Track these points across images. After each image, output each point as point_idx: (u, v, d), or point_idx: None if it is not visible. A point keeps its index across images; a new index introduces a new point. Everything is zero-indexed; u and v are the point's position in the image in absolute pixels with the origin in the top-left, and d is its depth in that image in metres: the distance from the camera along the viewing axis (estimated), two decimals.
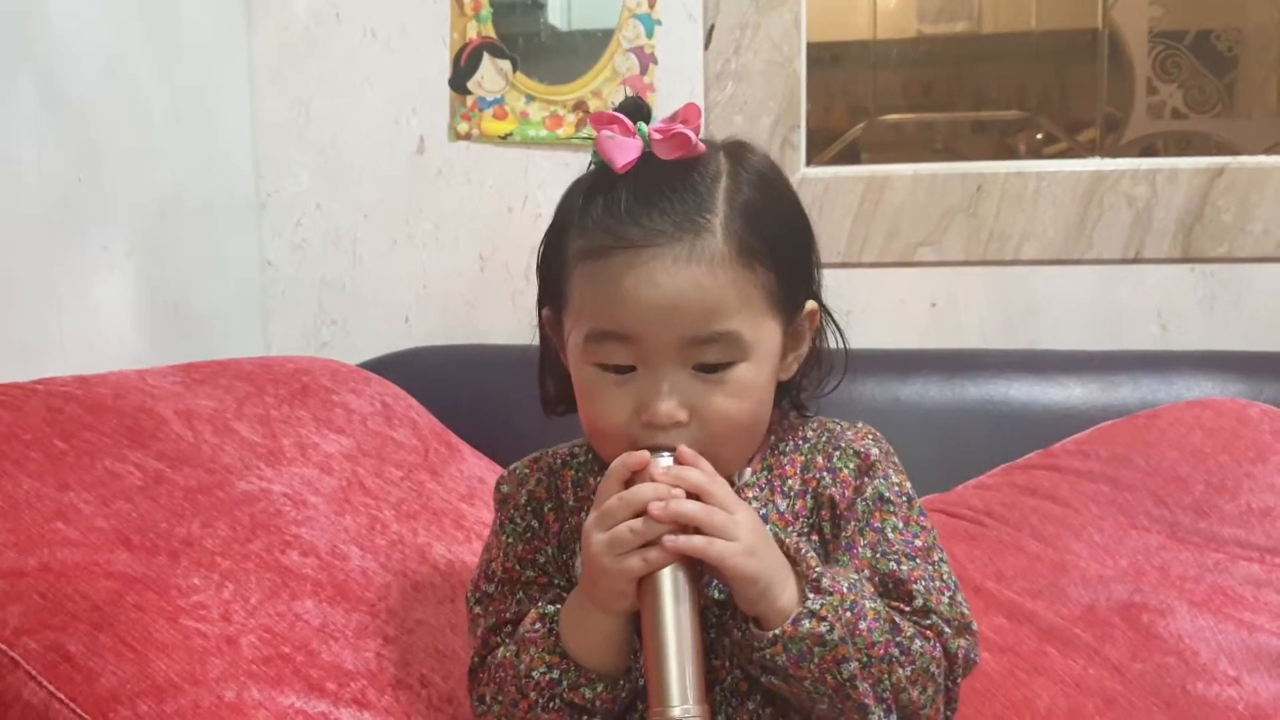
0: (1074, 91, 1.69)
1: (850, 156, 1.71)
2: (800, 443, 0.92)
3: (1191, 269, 1.54)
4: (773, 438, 0.92)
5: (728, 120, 1.57)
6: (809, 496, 0.89)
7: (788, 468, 0.91)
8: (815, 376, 0.93)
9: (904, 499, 0.90)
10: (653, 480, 0.81)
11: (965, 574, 1.21)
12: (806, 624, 0.80)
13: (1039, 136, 1.69)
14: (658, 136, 0.83)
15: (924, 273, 1.58)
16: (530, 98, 1.60)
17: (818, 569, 0.82)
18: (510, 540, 0.92)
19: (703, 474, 0.81)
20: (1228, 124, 1.65)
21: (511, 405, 1.48)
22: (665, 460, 0.82)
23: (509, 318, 1.62)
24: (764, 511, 0.89)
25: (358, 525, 1.07)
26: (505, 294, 1.63)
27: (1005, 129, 1.73)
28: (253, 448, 1.09)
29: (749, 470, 0.91)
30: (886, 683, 0.82)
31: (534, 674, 0.85)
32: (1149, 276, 1.55)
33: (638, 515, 0.80)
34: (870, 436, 0.93)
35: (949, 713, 0.87)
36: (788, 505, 0.89)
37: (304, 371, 1.28)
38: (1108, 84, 1.66)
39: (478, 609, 0.92)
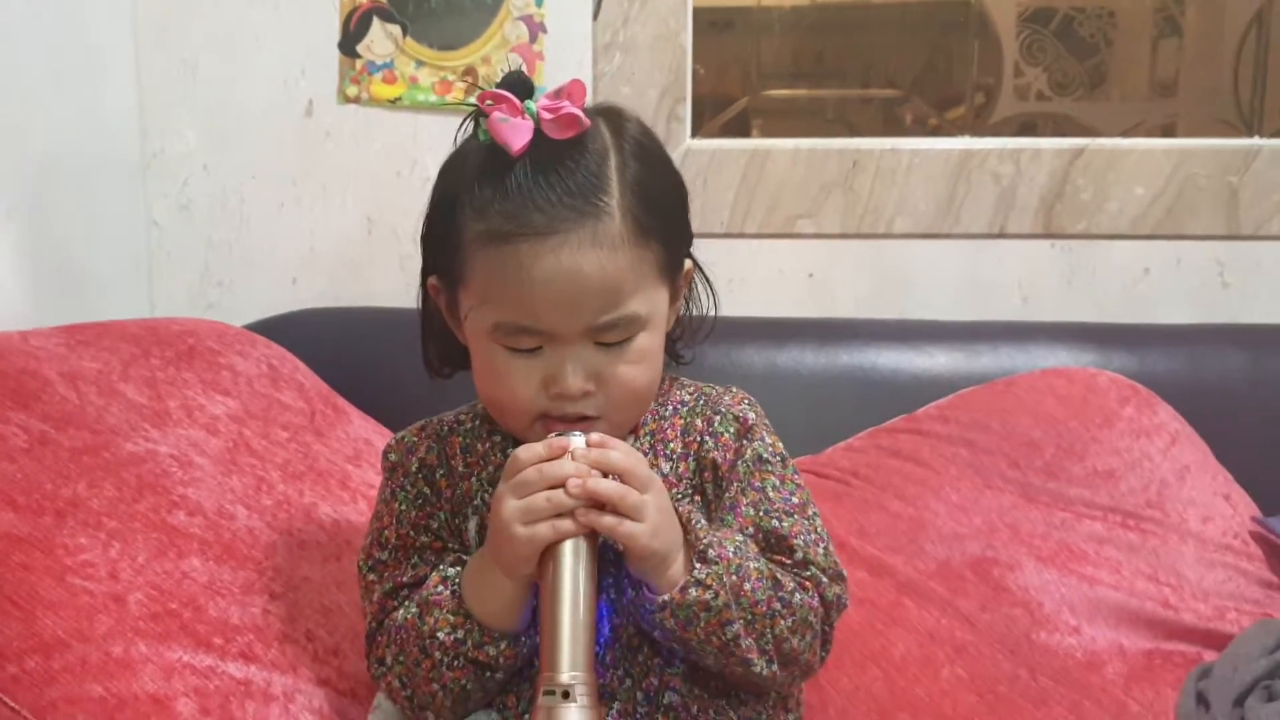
0: (947, 70, 1.76)
1: (741, 127, 1.75)
2: (679, 406, 0.97)
3: (1051, 244, 1.63)
4: (655, 403, 0.96)
5: (615, 91, 1.61)
6: (691, 459, 0.94)
7: (669, 432, 0.95)
8: (689, 326, 0.98)
9: (779, 459, 0.96)
10: (573, 459, 0.84)
11: (831, 531, 1.25)
12: (693, 592, 0.85)
13: (927, 110, 1.76)
14: (547, 116, 0.85)
15: (802, 244, 1.64)
16: (420, 63, 1.61)
17: (705, 539, 0.87)
18: (403, 507, 0.95)
19: (623, 455, 0.85)
20: (1088, 107, 1.73)
21: (398, 368, 1.50)
22: (579, 440, 0.86)
23: (396, 281, 1.64)
24: None
25: (244, 486, 1.09)
26: (393, 257, 1.64)
27: (881, 105, 1.79)
28: (138, 409, 1.10)
29: (631, 436, 0.95)
30: (769, 635, 0.87)
31: (439, 634, 0.88)
32: (1012, 251, 1.63)
33: (553, 488, 0.83)
34: (746, 401, 0.98)
35: (824, 653, 0.94)
36: (671, 468, 0.94)
37: (190, 333, 1.28)
38: (978, 64, 1.73)
39: (371, 576, 0.94)
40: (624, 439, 0.92)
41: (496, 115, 0.85)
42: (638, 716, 0.89)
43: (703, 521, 0.89)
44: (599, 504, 0.83)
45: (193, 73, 1.62)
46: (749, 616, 0.86)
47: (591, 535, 0.84)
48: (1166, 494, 1.34)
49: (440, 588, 0.89)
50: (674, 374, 1.01)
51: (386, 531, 0.95)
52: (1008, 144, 1.62)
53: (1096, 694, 1.14)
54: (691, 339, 1.00)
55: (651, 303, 0.89)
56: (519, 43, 1.60)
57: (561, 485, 0.83)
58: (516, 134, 0.84)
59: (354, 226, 1.64)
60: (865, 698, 1.11)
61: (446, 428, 0.98)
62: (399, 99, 1.62)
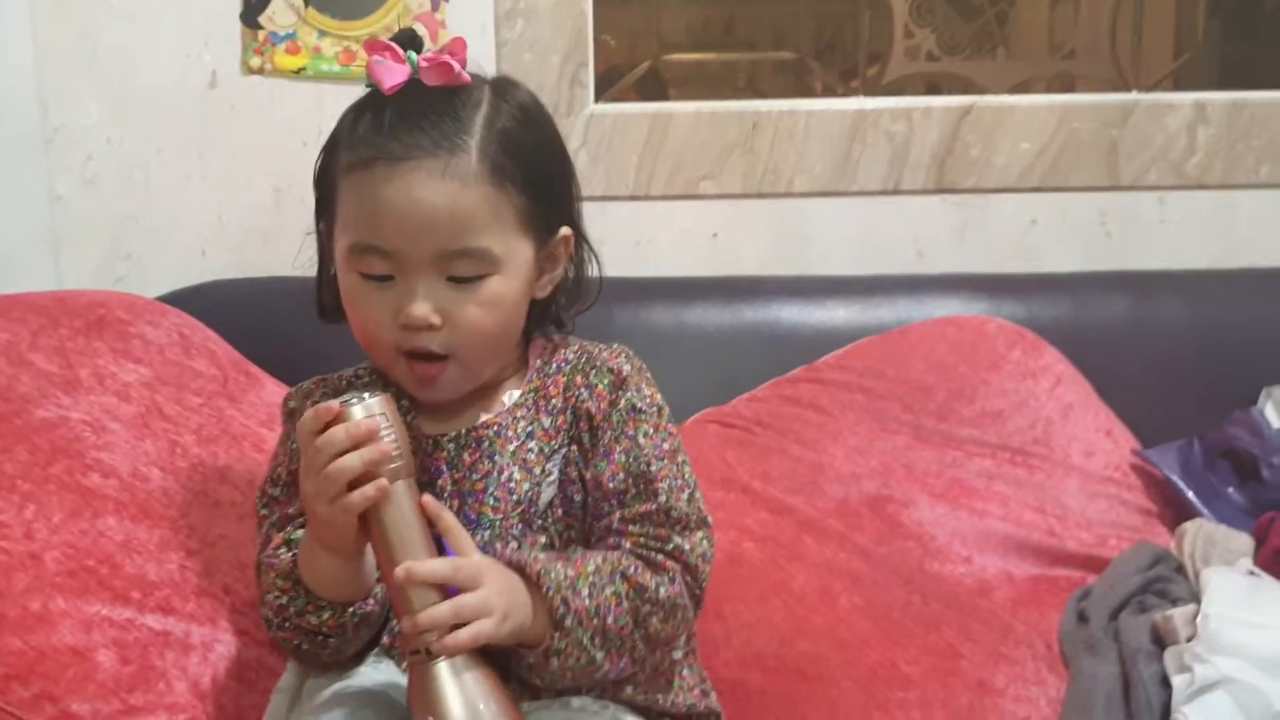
0: (841, 36, 1.81)
1: (655, 94, 1.79)
2: (563, 364, 1.01)
3: (944, 199, 1.68)
4: (539, 361, 1.00)
5: (518, 58, 1.63)
6: (569, 412, 0.98)
7: (551, 389, 0.99)
8: (572, 296, 1.02)
9: (654, 409, 0.99)
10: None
11: (735, 476, 1.33)
12: (554, 661, 0.89)
13: (837, 74, 1.80)
14: (424, 64, 0.90)
15: (706, 205, 1.68)
16: (322, 33, 1.62)
17: (559, 604, 0.87)
18: (296, 448, 0.98)
19: (441, 565, 0.85)
20: (975, 66, 1.79)
21: (310, 337, 1.51)
22: (357, 410, 0.85)
23: (306, 250, 1.65)
24: (531, 428, 0.97)
25: (158, 449, 1.11)
26: (302, 227, 1.61)
27: (780, 69, 1.84)
28: (49, 377, 1.12)
29: (517, 392, 0.99)
30: (638, 643, 0.92)
31: (268, 597, 0.93)
32: (906, 207, 1.68)
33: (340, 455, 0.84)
34: (623, 355, 1.01)
35: (697, 610, 0.97)
36: (550, 422, 0.98)
37: (99, 304, 1.29)
38: (869, 29, 1.78)
39: (264, 510, 0.99)
40: (476, 384, 0.96)
41: (375, 58, 0.90)
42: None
43: (552, 569, 0.89)
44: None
45: (93, 45, 1.61)
46: (616, 643, 0.90)
47: (405, 481, 0.86)
48: (1051, 431, 1.41)
49: (281, 549, 0.94)
50: (566, 336, 1.04)
51: (279, 469, 0.99)
52: (900, 103, 1.67)
53: (985, 617, 1.21)
54: (573, 306, 1.03)
55: (508, 248, 0.92)
56: (421, 11, 1.62)
57: (344, 453, 0.84)
58: (389, 75, 0.90)
59: (262, 197, 1.65)
60: (766, 627, 1.17)
61: (345, 381, 1.03)
62: (303, 69, 1.63)
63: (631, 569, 0.92)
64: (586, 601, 0.89)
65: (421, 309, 0.90)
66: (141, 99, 1.63)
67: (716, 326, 1.57)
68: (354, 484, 0.84)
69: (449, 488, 0.96)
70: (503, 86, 0.96)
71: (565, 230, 0.99)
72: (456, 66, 0.90)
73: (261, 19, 1.62)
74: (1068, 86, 1.81)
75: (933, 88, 1.77)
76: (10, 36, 1.59)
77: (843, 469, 1.34)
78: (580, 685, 0.92)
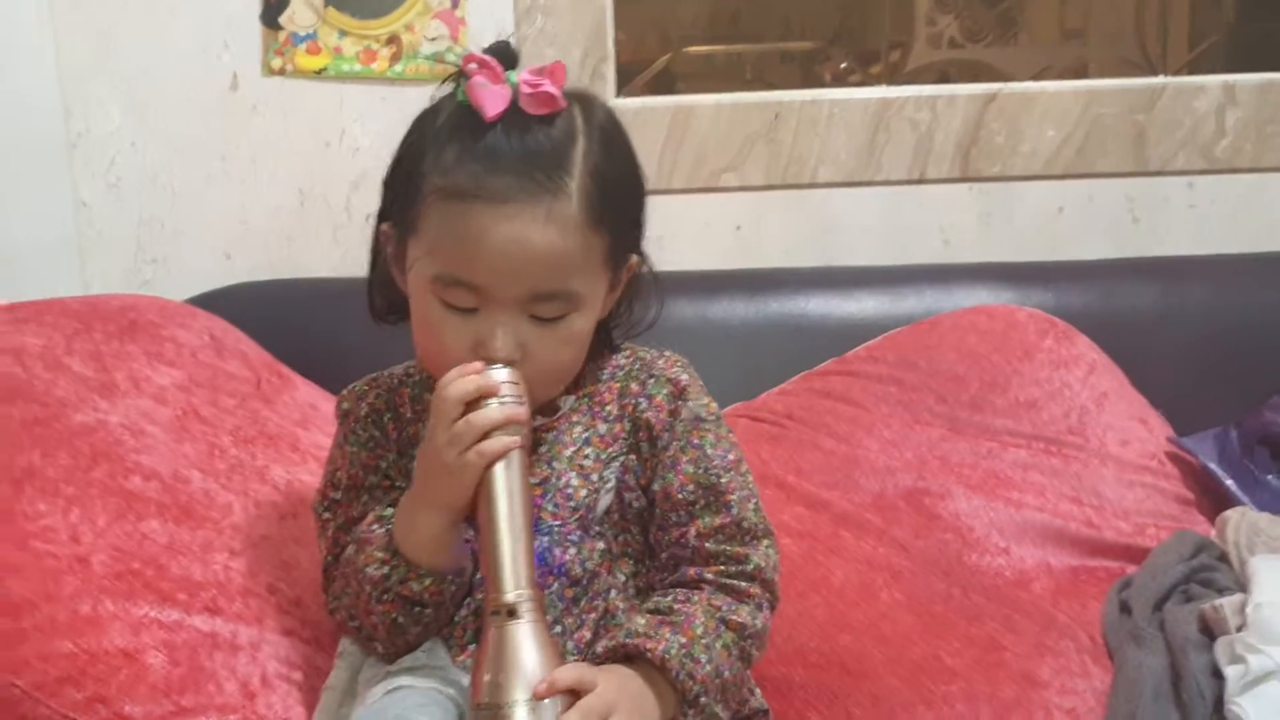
0: (863, 24, 1.80)
1: (666, 87, 1.78)
2: (615, 370, 1.00)
3: (969, 188, 1.68)
4: (590, 365, 0.99)
5: (538, 54, 1.62)
6: (626, 420, 0.97)
7: (605, 394, 0.98)
8: (628, 317, 1.01)
9: (714, 418, 0.99)
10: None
11: (769, 471, 1.32)
12: None
13: (844, 65, 1.80)
14: (527, 90, 0.87)
15: (728, 197, 1.67)
16: (343, 32, 1.62)
17: (690, 686, 0.88)
18: (354, 449, 0.99)
19: (569, 673, 0.83)
20: (999, 52, 1.78)
21: (338, 338, 1.52)
22: (500, 373, 0.88)
23: (331, 251, 1.65)
24: (587, 434, 0.97)
25: (197, 451, 1.11)
26: (326, 228, 1.66)
27: (803, 59, 1.84)
28: (85, 382, 1.12)
29: (571, 397, 0.98)
30: (748, 674, 0.97)
31: (368, 569, 0.92)
32: (931, 195, 1.67)
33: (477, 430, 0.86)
34: (679, 364, 1.01)
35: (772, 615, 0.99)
36: (607, 429, 0.97)
37: (130, 308, 1.29)
38: (892, 17, 1.78)
39: (326, 515, 0.98)
40: (560, 401, 0.96)
41: (478, 79, 0.87)
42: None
43: (668, 647, 0.89)
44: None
45: (114, 51, 1.61)
46: (733, 690, 0.94)
47: (522, 450, 0.87)
48: (1086, 420, 1.40)
49: (375, 526, 0.93)
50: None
51: (339, 473, 0.99)
52: (923, 91, 1.66)
53: (1026, 608, 1.20)
54: (627, 330, 1.02)
55: (591, 287, 0.92)
56: (441, 9, 1.62)
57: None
58: (493, 100, 0.86)
59: (286, 199, 1.65)
60: (808, 622, 1.16)
61: (395, 380, 1.02)
62: (324, 70, 1.63)
63: (728, 610, 0.94)
64: (707, 668, 0.90)
65: (505, 347, 0.89)
66: (163, 102, 1.63)
67: (742, 320, 1.57)
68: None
69: None
70: (588, 108, 0.92)
71: (635, 258, 0.98)
72: (559, 96, 0.88)
73: (281, 19, 1.61)
74: (1092, 72, 1.80)
75: (954, 75, 1.76)
76: (31, 42, 1.59)
77: (877, 462, 1.33)
78: None
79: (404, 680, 0.89)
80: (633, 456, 0.97)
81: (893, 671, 1.12)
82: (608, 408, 0.98)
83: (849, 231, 1.67)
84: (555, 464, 0.96)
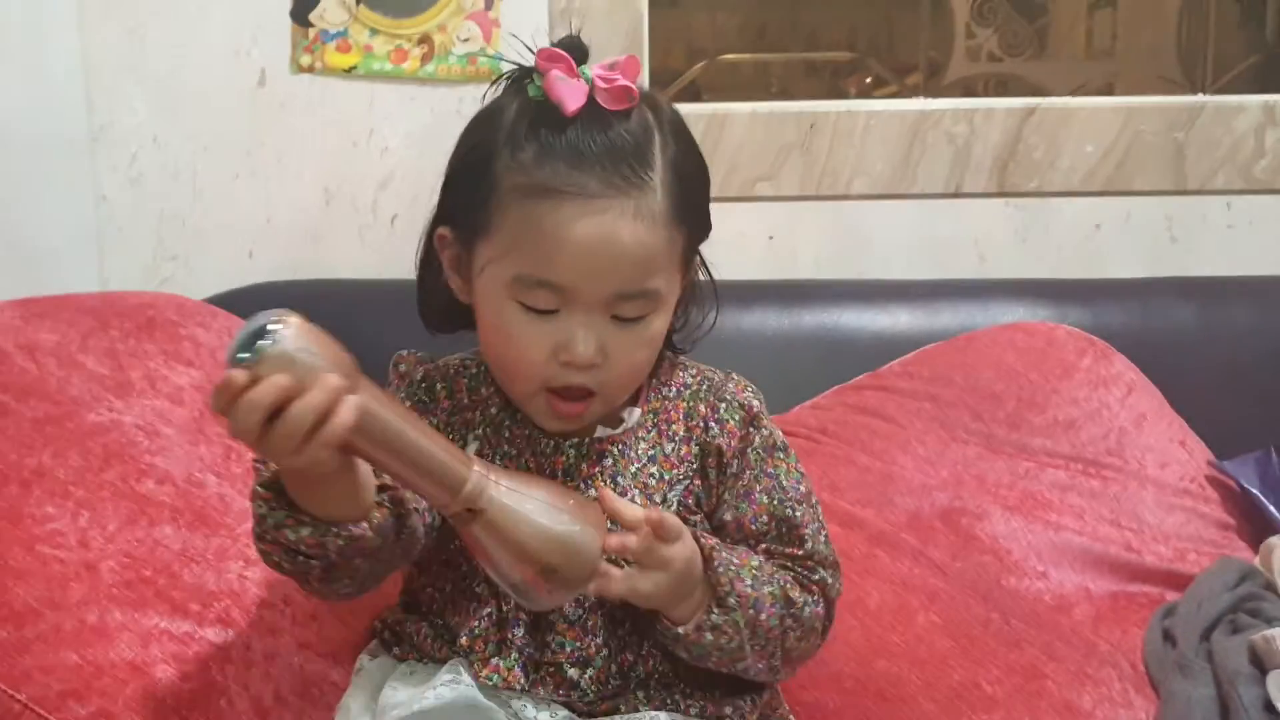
0: (901, 36, 1.77)
1: (692, 96, 1.76)
2: (682, 389, 0.97)
3: (1006, 202, 1.65)
4: (655, 380, 0.96)
5: None
6: (695, 444, 0.94)
7: (672, 413, 0.95)
8: (687, 318, 0.98)
9: (784, 446, 0.97)
10: None
11: None
12: (709, 635, 0.87)
13: (868, 80, 1.77)
14: (602, 85, 0.84)
15: (762, 207, 1.64)
16: (374, 31, 1.59)
17: (725, 577, 0.86)
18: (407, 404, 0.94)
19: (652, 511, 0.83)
20: (1038, 67, 1.75)
21: (361, 340, 1.48)
22: (269, 356, 0.70)
23: (355, 252, 1.62)
24: (652, 452, 0.94)
25: (213, 454, 1.08)
26: (351, 228, 1.63)
27: (837, 70, 1.80)
28: (100, 380, 1.09)
29: (637, 411, 0.95)
30: (778, 651, 0.90)
31: (253, 504, 0.82)
32: (968, 210, 1.64)
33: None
34: (750, 389, 0.98)
35: (823, 639, 0.96)
36: (673, 449, 0.94)
37: (149, 305, 1.27)
38: (930, 28, 1.74)
39: None
40: (625, 414, 0.93)
41: (556, 73, 0.84)
42: (609, 685, 0.90)
43: (720, 549, 0.88)
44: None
45: (140, 43, 1.59)
46: (762, 642, 0.89)
47: (365, 390, 0.74)
48: (1125, 441, 1.37)
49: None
50: (675, 356, 1.00)
51: None
52: (961, 104, 1.64)
53: (1067, 635, 1.16)
54: (689, 334, 0.99)
55: (670, 286, 0.90)
56: (474, 10, 1.59)
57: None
58: (573, 95, 0.84)
59: (311, 198, 1.62)
60: (843, 646, 1.12)
61: (453, 369, 0.98)
62: (354, 68, 1.60)
63: (786, 580, 0.92)
64: (749, 589, 0.88)
65: (588, 350, 0.86)
66: (189, 97, 1.60)
67: (774, 331, 1.53)
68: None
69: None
70: (654, 102, 0.90)
71: (697, 259, 0.96)
72: (635, 91, 0.85)
73: (312, 16, 1.59)
74: (1130, 88, 1.76)
75: (990, 89, 1.73)
76: (57, 34, 1.56)
77: (913, 480, 1.30)
78: (721, 668, 0.90)
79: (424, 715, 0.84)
80: (698, 482, 0.94)
81: (930, 697, 1.08)
82: (674, 427, 0.95)
83: (883, 244, 1.64)
84: (620, 479, 0.92)
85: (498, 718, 0.86)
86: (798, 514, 0.94)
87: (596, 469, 0.92)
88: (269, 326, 0.70)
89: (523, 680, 0.89)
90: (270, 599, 0.98)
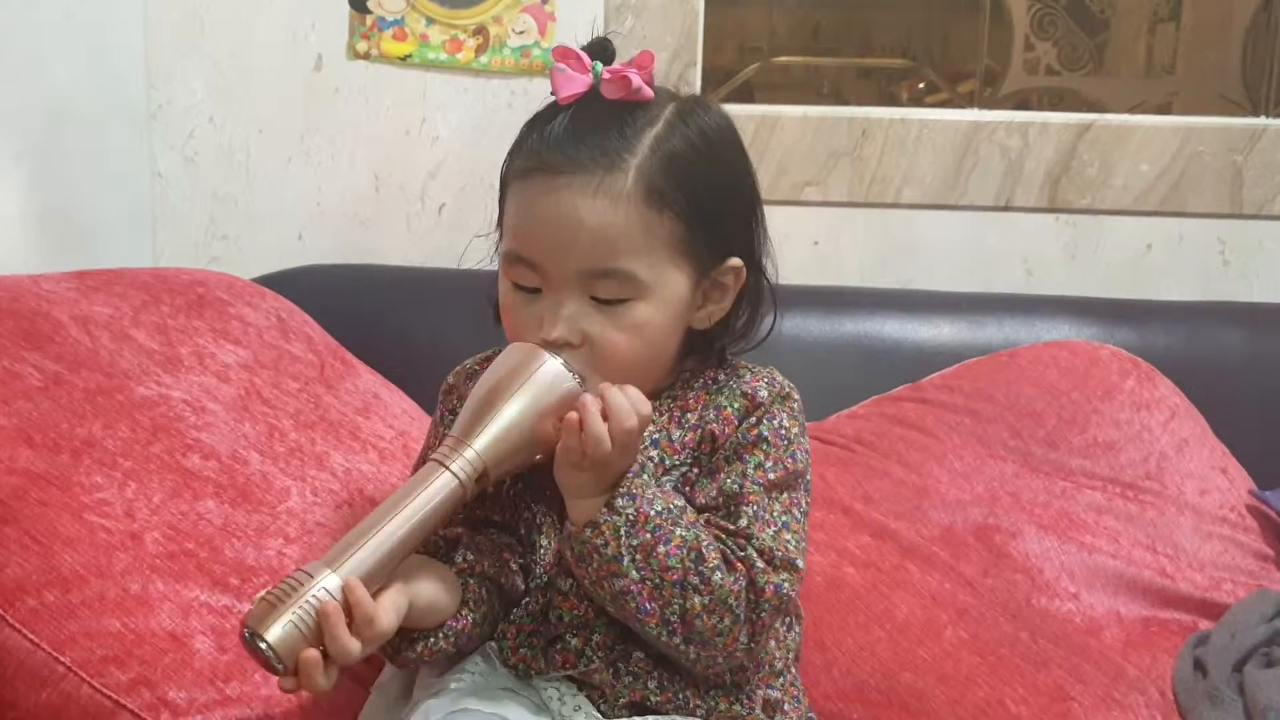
0: (957, 44, 1.76)
1: (744, 96, 1.75)
2: (709, 382, 0.96)
3: (1056, 218, 1.64)
4: (686, 374, 0.96)
5: (625, 54, 1.58)
6: (699, 432, 0.94)
7: (690, 402, 0.95)
8: (739, 331, 0.97)
9: (783, 440, 0.93)
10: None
11: (835, 496, 1.29)
12: (588, 532, 0.85)
13: (921, 85, 1.76)
14: (606, 76, 0.87)
15: (808, 211, 1.64)
16: (430, 20, 1.61)
17: (626, 490, 0.85)
18: (445, 429, 0.94)
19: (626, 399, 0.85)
20: (1096, 82, 1.73)
21: (405, 326, 1.51)
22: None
23: (403, 239, 1.64)
24: (658, 436, 0.93)
25: (257, 433, 1.10)
26: (400, 216, 1.64)
27: (891, 76, 1.80)
28: (150, 354, 1.10)
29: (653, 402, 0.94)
30: (676, 606, 0.85)
31: None
32: (1017, 224, 1.63)
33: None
34: (765, 380, 0.95)
35: (753, 644, 0.89)
36: (680, 436, 0.94)
37: (199, 283, 1.28)
38: (988, 38, 1.73)
39: None
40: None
41: (559, 65, 0.88)
42: (614, 650, 0.90)
43: (656, 483, 0.88)
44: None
45: (200, 24, 1.61)
46: (656, 581, 0.85)
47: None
48: (1165, 466, 1.35)
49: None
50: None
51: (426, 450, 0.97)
52: (1016, 117, 1.62)
53: (1095, 658, 1.15)
54: (737, 345, 0.98)
55: (657, 274, 0.88)
56: (530, 3, 1.60)
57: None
58: (567, 84, 0.87)
59: (362, 184, 1.64)
60: (869, 658, 1.12)
61: (477, 364, 1.00)
62: (409, 56, 1.61)
63: (706, 540, 0.87)
64: (652, 513, 0.85)
65: (559, 330, 0.87)
66: (246, 79, 1.62)
67: (815, 338, 1.53)
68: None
69: (550, 489, 0.91)
70: (689, 107, 0.92)
71: (735, 262, 0.94)
72: (636, 81, 0.87)
73: (370, 4, 1.60)
74: (1188, 108, 1.74)
75: (1023, 104, 1.72)
76: (120, 13, 1.59)
77: (948, 494, 1.29)
78: (601, 593, 0.87)
79: (469, 703, 0.85)
80: (694, 470, 0.93)
81: (954, 713, 1.08)
82: (688, 415, 0.94)
83: (929, 255, 1.64)
84: None
85: (523, 700, 0.87)
86: (746, 490, 0.90)
87: None
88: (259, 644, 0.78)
89: (542, 662, 0.90)
90: None
